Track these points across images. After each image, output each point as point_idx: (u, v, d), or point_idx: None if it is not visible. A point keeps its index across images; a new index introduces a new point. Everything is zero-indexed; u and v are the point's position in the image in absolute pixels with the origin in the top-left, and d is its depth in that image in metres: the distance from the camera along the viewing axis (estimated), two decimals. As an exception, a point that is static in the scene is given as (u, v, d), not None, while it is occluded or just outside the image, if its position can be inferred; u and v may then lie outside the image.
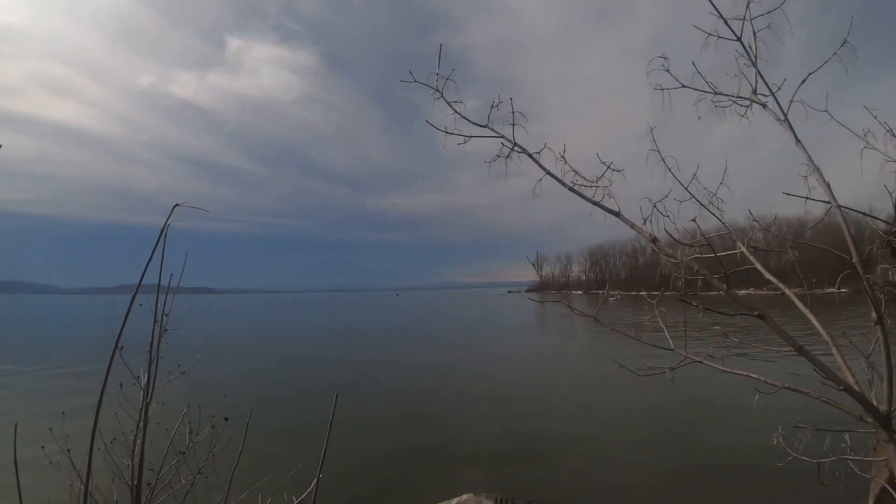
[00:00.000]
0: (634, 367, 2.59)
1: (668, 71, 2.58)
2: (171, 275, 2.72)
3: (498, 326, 52.63)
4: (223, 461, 3.38)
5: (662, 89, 2.61)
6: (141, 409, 3.23)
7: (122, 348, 3.17)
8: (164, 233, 2.48)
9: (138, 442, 3.19)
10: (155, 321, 2.76)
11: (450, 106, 2.33)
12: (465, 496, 7.09)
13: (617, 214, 2.34)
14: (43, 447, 3.93)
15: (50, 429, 3.92)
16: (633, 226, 2.33)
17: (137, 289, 2.54)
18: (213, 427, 3.49)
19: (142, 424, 3.08)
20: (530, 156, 2.33)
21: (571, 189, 2.33)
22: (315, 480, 2.59)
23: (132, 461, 3.27)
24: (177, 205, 2.46)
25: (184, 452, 3.28)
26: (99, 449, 3.57)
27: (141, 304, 3.08)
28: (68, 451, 3.79)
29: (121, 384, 3.36)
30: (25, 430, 3.34)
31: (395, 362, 27.59)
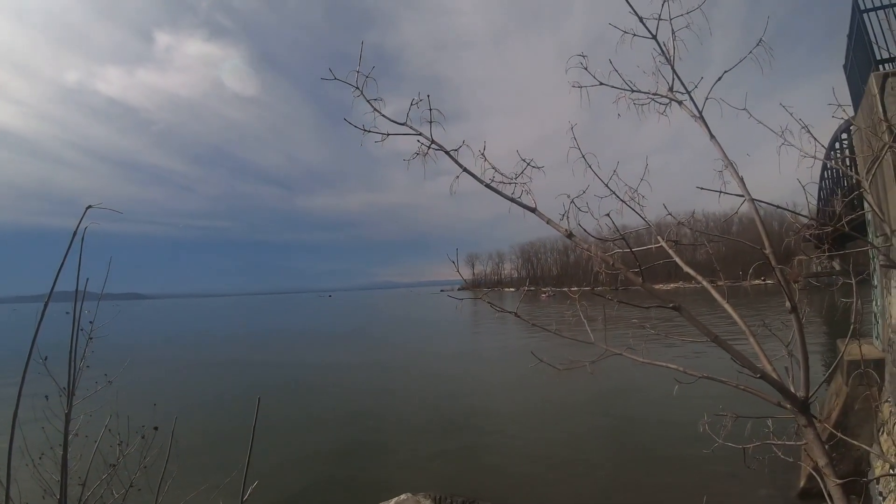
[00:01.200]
0: (557, 362, 2.63)
1: (586, 69, 2.64)
2: (88, 279, 2.63)
3: (430, 326, 52.86)
4: (156, 472, 3.28)
5: (580, 87, 2.67)
6: (65, 422, 3.12)
7: (45, 359, 3.06)
8: (76, 235, 2.40)
9: (69, 458, 3.08)
10: (74, 328, 2.67)
11: (369, 104, 2.33)
12: (402, 496, 7.09)
13: (533, 210, 2.37)
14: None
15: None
16: (548, 221, 2.37)
17: (50, 296, 2.45)
18: (143, 438, 3.39)
19: (64, 436, 2.98)
20: (447, 153, 2.35)
21: (488, 186, 2.35)
22: (242, 487, 2.53)
23: (62, 477, 3.15)
24: (89, 206, 2.39)
25: (114, 465, 3.17)
26: (27, 465, 3.43)
27: (67, 313, 2.97)
28: (-6, 469, 3.63)
29: (46, 396, 3.24)
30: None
31: (327, 365, 27.49)
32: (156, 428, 3.40)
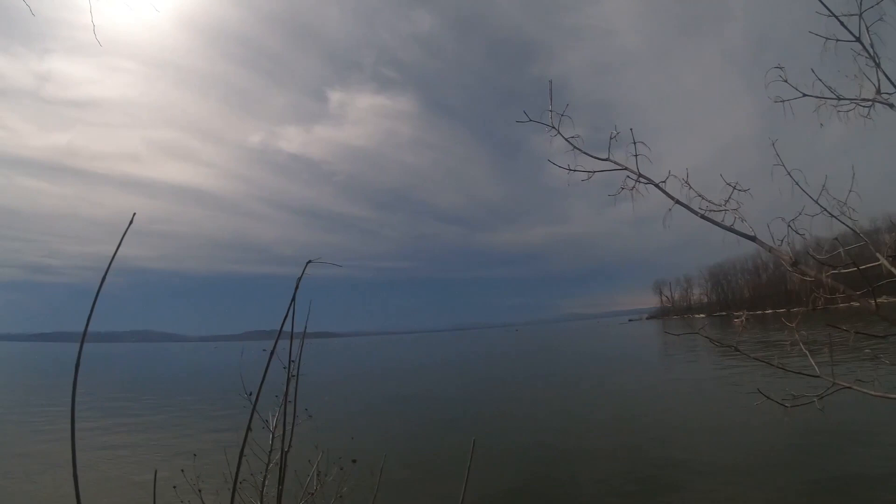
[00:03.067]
0: (773, 396, 2.47)
1: (786, 81, 2.49)
2: (306, 325, 2.84)
3: (621, 356, 49.81)
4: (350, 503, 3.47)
5: (783, 101, 2.52)
6: (270, 452, 3.41)
7: (250, 394, 3.35)
8: (298, 287, 2.60)
9: (266, 485, 3.37)
10: (290, 371, 2.89)
11: (568, 142, 2.35)
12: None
13: (753, 239, 2.26)
14: (175, 487, 4.18)
15: (182, 470, 4.19)
16: (770, 250, 2.24)
17: (277, 340, 2.68)
18: (341, 469, 3.60)
19: (272, 466, 3.25)
20: (657, 186, 2.30)
21: (703, 217, 2.28)
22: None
23: (260, 502, 3.44)
24: (310, 261, 2.58)
25: (312, 493, 3.40)
26: (228, 489, 3.77)
27: (264, 350, 3.24)
28: (199, 490, 4.02)
29: (249, 428, 3.55)
30: (159, 470, 3.57)
31: (525, 399, 26.64)
32: (354, 460, 3.61)
